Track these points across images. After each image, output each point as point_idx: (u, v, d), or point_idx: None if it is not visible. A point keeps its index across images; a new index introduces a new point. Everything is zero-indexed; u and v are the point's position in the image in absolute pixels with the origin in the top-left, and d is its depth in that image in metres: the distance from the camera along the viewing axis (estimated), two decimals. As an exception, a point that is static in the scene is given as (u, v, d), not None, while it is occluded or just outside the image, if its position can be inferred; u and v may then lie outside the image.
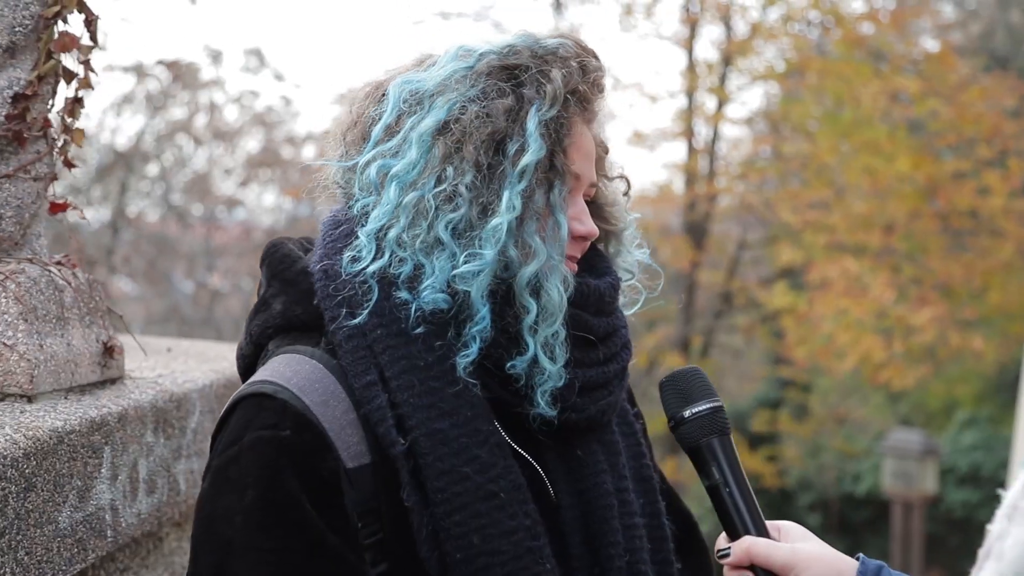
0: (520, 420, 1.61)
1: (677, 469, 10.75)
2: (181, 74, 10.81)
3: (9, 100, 2.07)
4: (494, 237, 1.56)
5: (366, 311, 1.56)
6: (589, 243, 1.73)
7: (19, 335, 2.00)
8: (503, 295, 1.59)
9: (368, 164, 1.63)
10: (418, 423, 1.54)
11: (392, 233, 1.58)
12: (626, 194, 1.84)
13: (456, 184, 1.58)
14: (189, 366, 2.68)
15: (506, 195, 1.57)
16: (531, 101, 1.60)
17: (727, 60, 12.66)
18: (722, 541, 1.55)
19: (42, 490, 1.87)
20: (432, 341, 1.57)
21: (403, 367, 1.56)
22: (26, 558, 1.83)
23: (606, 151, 1.81)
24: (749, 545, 1.51)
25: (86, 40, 2.21)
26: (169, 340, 3.30)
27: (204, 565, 1.53)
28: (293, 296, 1.66)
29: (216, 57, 11.11)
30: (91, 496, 2.04)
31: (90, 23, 2.22)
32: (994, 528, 1.03)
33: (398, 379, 1.55)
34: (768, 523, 1.55)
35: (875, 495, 13.57)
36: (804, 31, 13.41)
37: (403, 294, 1.57)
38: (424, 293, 1.56)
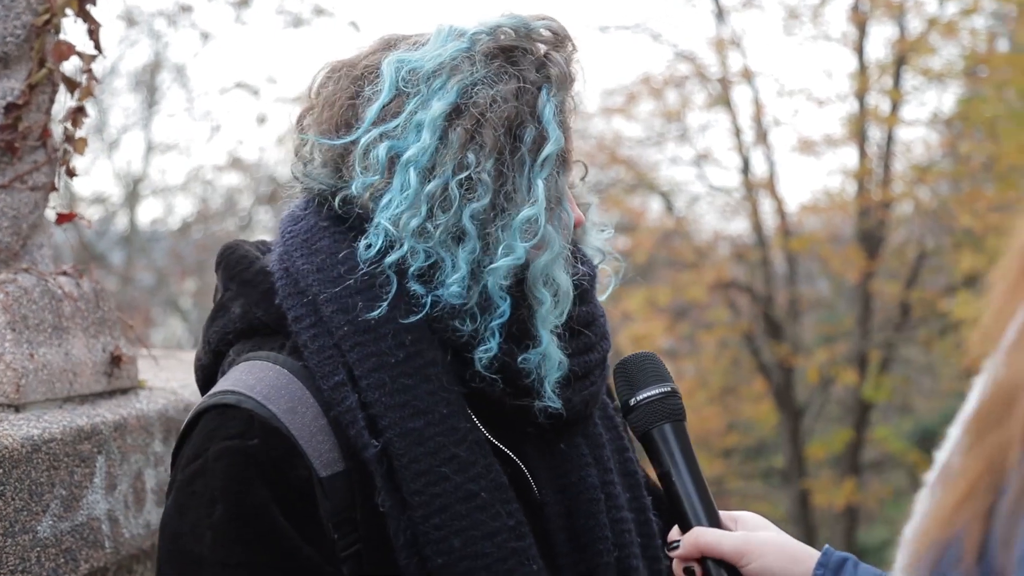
0: (499, 415, 1.52)
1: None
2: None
3: (2, 110, 2.08)
4: (530, 229, 1.49)
5: (386, 302, 1.48)
6: None
7: (6, 344, 2.00)
8: (514, 287, 1.51)
9: (374, 143, 1.53)
10: (391, 423, 1.46)
11: (414, 223, 1.48)
12: (583, 179, 1.73)
13: (479, 172, 1.49)
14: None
15: (537, 184, 1.50)
16: (537, 85, 1.53)
17: (901, 59, 12.02)
18: (674, 533, 1.46)
19: (13, 499, 1.85)
20: (403, 337, 1.48)
21: (373, 365, 1.47)
22: (-5, 567, 1.81)
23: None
24: (698, 535, 1.41)
25: (89, 49, 2.22)
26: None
27: None
28: (253, 298, 1.58)
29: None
30: (81, 506, 2.02)
31: (93, 32, 2.22)
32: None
33: (368, 378, 1.47)
34: (724, 513, 1.45)
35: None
36: (993, 26, 12.63)
37: (416, 287, 1.48)
38: (452, 287, 1.47)
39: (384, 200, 1.51)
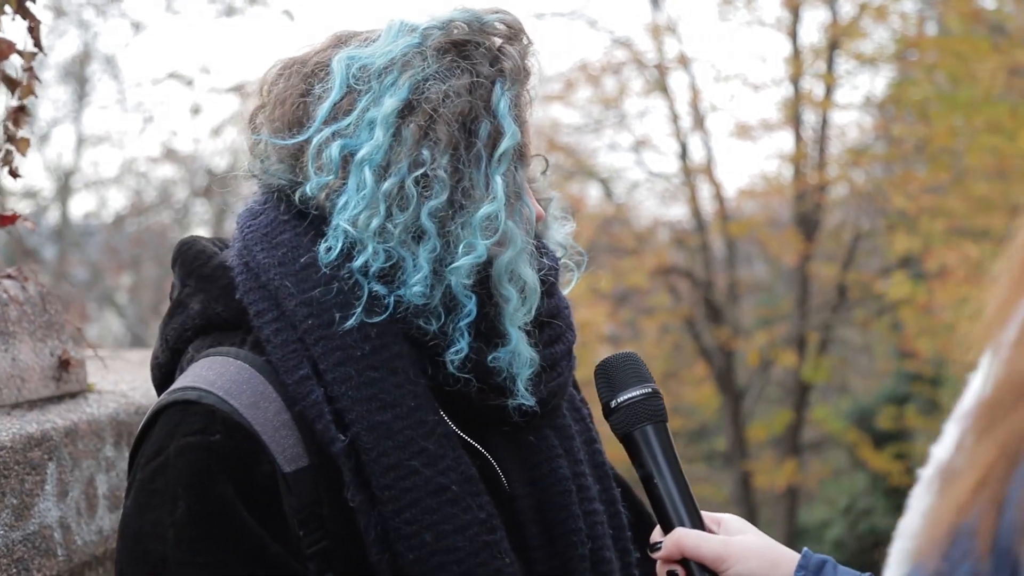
0: (465, 408, 1.52)
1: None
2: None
3: (-59, 111, 2.02)
4: (490, 226, 1.48)
5: (359, 308, 1.46)
6: None
7: (-49, 350, 1.95)
8: (479, 285, 1.50)
9: (327, 142, 1.51)
10: (358, 416, 1.45)
11: (374, 223, 1.47)
12: (544, 172, 1.73)
13: (435, 168, 1.48)
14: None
15: (495, 180, 1.49)
16: (491, 79, 1.52)
17: (834, 44, 12.18)
18: (656, 535, 1.46)
19: (-36, 509, 1.81)
20: (368, 330, 1.47)
21: (338, 358, 1.46)
22: (-53, 580, 1.77)
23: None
24: (680, 537, 1.41)
25: (29, 47, 2.16)
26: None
27: None
28: (212, 293, 1.56)
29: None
30: (32, 514, 1.98)
31: (32, 29, 2.17)
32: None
33: (333, 371, 1.46)
34: (707, 515, 1.46)
35: (1016, 492, 12.83)
36: (921, 10, 12.85)
37: (378, 287, 1.47)
38: (414, 287, 1.46)
39: (341, 201, 1.49)
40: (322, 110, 1.53)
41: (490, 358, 1.50)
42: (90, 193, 14.68)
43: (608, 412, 1.51)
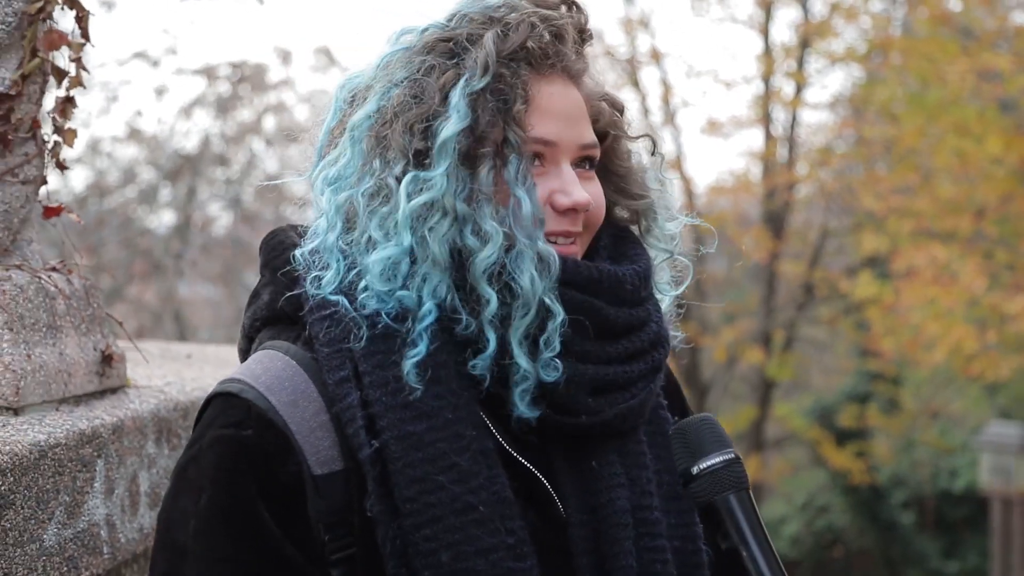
0: (527, 423, 1.44)
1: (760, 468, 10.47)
2: (250, 75, 10.90)
3: (-7, 101, 1.99)
4: (408, 219, 1.42)
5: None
6: (600, 218, 1.54)
7: (4, 345, 1.92)
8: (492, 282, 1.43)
9: (315, 176, 1.52)
10: (390, 424, 1.39)
11: (330, 239, 1.46)
12: (654, 154, 1.65)
13: (384, 177, 1.44)
14: (204, 373, 2.60)
15: (432, 174, 1.42)
16: (460, 73, 1.45)
17: (805, 43, 12.30)
18: None
19: (22, 507, 1.78)
20: (408, 349, 1.43)
21: (378, 362, 1.42)
22: (5, 579, 1.75)
23: (618, 108, 1.61)
24: None
25: (77, 37, 2.13)
26: (192, 346, 3.23)
27: (159, 573, 1.44)
28: (280, 286, 1.55)
29: (285, 57, 11.18)
30: (82, 512, 1.95)
31: (81, 19, 2.14)
32: None
33: (371, 375, 1.41)
34: None
35: (973, 492, 13.09)
36: (887, 10, 12.98)
37: (344, 301, 1.44)
38: (361, 296, 1.42)
39: (313, 228, 1.52)
40: (320, 139, 1.55)
41: (470, 364, 1.42)
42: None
43: (688, 479, 1.44)
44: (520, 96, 1.45)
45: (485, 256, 1.41)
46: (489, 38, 1.46)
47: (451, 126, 1.42)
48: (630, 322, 1.51)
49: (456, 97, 1.43)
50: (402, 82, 1.47)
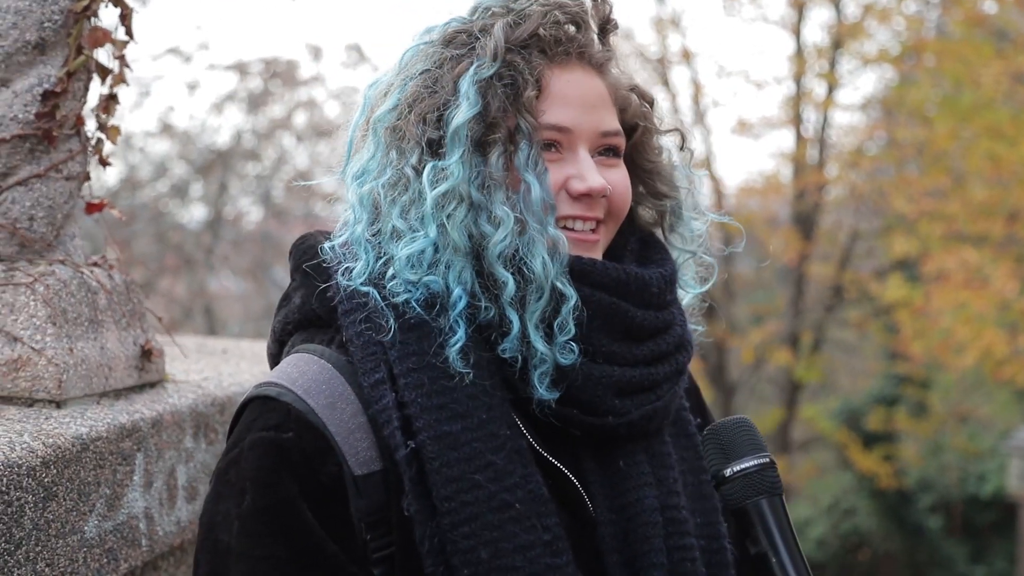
0: (556, 426, 1.47)
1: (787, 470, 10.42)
2: (281, 71, 10.98)
3: (39, 98, 2.01)
4: (432, 209, 1.45)
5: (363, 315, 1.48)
6: (625, 205, 1.56)
7: (47, 339, 1.95)
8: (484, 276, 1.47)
9: (346, 174, 1.57)
10: (426, 425, 1.42)
11: (358, 231, 1.50)
12: (683, 148, 1.66)
13: (401, 167, 1.48)
14: (240, 368, 2.62)
15: (447, 163, 1.45)
16: (472, 62, 1.48)
17: (837, 43, 12.23)
18: None
19: (64, 499, 1.81)
20: (448, 337, 1.45)
21: (413, 364, 1.44)
22: (47, 570, 1.77)
23: (647, 100, 1.63)
24: None
25: (120, 35, 2.15)
26: (227, 341, 3.25)
27: (203, 573, 1.46)
28: (311, 289, 1.57)
29: (316, 53, 11.27)
30: (122, 504, 1.98)
31: (125, 17, 2.16)
32: None
33: (406, 377, 1.44)
34: None
35: (1000, 497, 12.99)
36: (921, 11, 12.88)
37: (375, 292, 1.47)
38: (390, 285, 1.45)
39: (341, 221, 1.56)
40: (351, 138, 1.59)
41: (500, 348, 1.45)
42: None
43: (720, 481, 1.44)
44: (531, 83, 1.47)
45: (498, 240, 1.44)
46: (499, 26, 1.49)
47: (462, 113, 1.45)
48: (656, 325, 1.54)
49: (466, 85, 1.46)
50: (419, 75, 1.50)
